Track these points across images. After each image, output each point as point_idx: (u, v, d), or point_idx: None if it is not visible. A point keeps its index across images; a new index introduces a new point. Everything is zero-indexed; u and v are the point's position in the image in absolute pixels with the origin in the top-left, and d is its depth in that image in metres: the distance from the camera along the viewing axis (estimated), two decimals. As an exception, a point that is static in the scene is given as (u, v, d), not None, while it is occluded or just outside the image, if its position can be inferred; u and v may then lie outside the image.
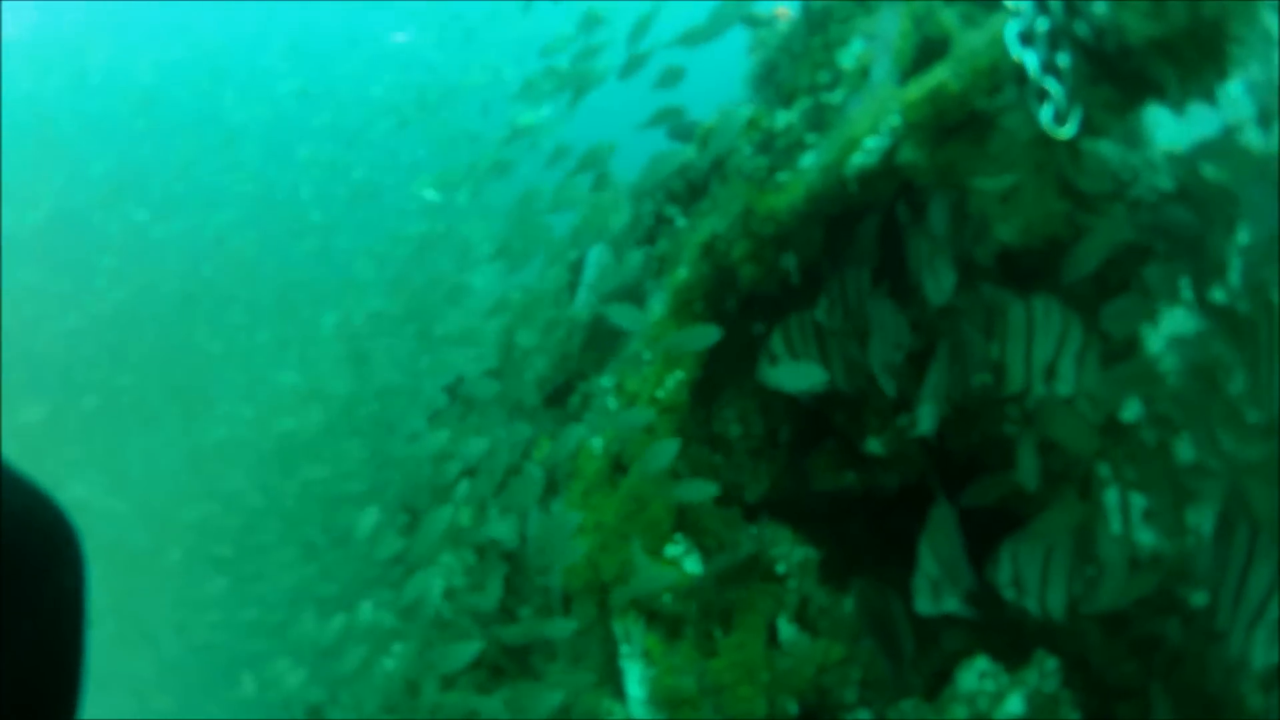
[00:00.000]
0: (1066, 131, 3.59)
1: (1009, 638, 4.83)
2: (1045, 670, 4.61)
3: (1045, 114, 3.61)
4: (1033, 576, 4.64)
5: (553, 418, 5.58)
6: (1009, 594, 4.52)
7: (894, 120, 4.16)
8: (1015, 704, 4.50)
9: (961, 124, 4.02)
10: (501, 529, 5.59)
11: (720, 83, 5.64)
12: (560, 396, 5.63)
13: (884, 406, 5.28)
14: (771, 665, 4.40)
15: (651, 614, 4.47)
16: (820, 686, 4.58)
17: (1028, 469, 4.37)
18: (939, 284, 4.50)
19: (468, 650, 5.31)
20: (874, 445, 5.19)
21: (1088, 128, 3.71)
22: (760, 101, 5.19)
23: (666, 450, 4.26)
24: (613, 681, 4.69)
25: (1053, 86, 3.61)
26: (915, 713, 4.59)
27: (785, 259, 4.72)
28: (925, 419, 4.65)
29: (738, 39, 5.72)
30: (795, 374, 4.61)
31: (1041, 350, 4.51)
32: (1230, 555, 4.03)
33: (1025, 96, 3.70)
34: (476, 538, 5.89)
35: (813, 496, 5.16)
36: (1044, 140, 3.72)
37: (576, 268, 5.95)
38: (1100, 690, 4.73)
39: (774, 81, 5.13)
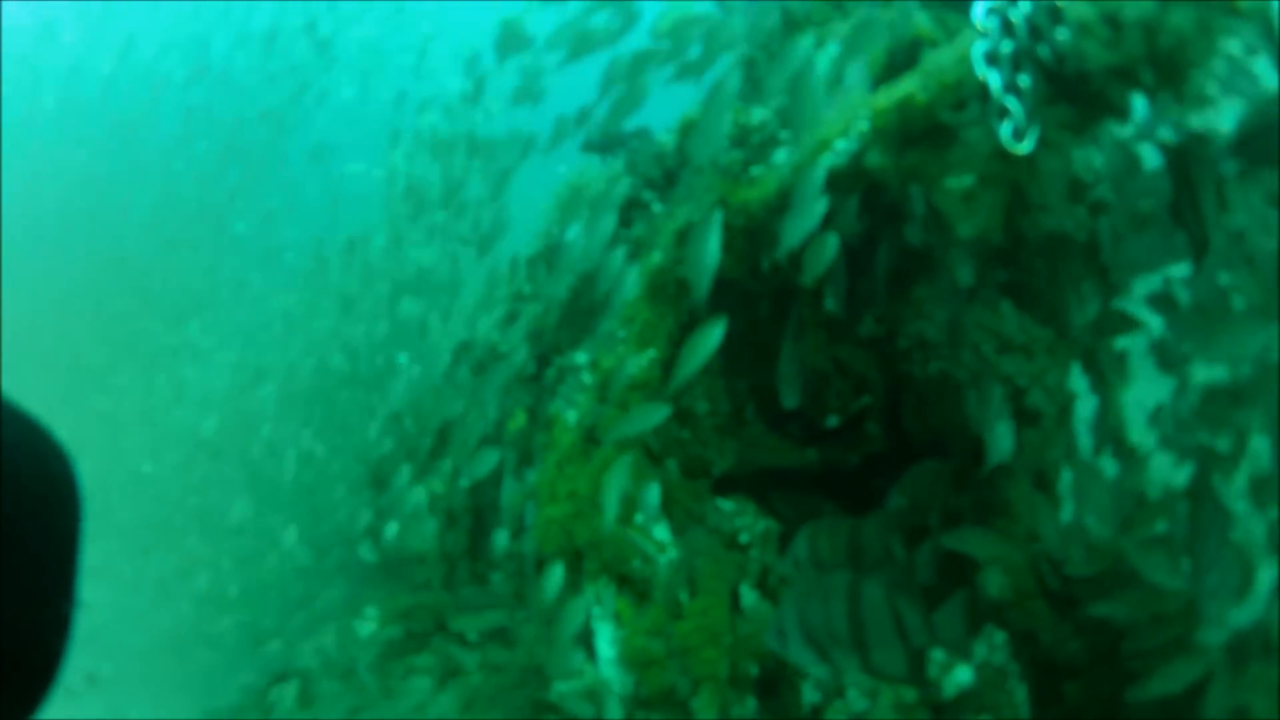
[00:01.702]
0: (1024, 148, 4.02)
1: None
2: (994, 644, 5.01)
3: (1005, 130, 4.04)
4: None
5: (529, 391, 5.96)
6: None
7: (863, 125, 4.57)
8: (964, 674, 4.89)
9: (926, 133, 4.44)
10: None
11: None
12: (535, 373, 6.02)
13: (844, 388, 5.74)
14: (734, 630, 4.84)
15: (622, 579, 4.90)
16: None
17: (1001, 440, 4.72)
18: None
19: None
20: (834, 422, 5.65)
21: (1044, 145, 4.15)
22: (738, 97, 5.57)
23: (656, 412, 4.56)
24: (583, 643, 5.12)
25: (1013, 105, 4.03)
26: (871, 680, 5.04)
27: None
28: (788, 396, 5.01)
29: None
30: None
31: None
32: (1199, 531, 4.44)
33: (987, 112, 4.13)
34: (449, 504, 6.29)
35: (776, 472, 5.60)
36: (1002, 154, 4.15)
37: (553, 245, 6.34)
38: (1048, 668, 5.09)
39: (751, 76, 5.52)
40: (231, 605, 9.84)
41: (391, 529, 6.64)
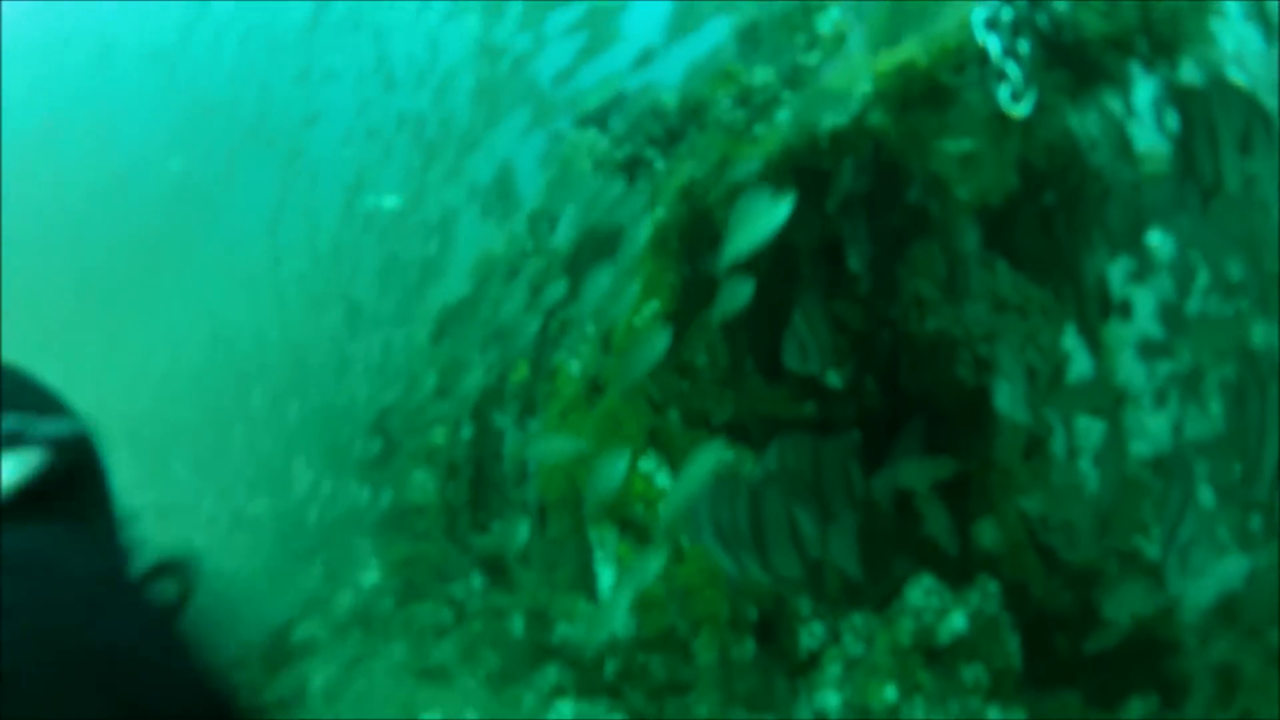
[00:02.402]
0: (1021, 110, 4.28)
1: (954, 564, 5.42)
2: (987, 593, 5.29)
3: (1003, 93, 4.30)
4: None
5: (534, 345, 6.21)
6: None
7: (866, 87, 4.82)
8: (958, 620, 5.17)
9: (926, 95, 4.69)
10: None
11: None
12: (538, 325, 6.26)
13: (843, 345, 6.01)
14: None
15: (624, 523, 5.18)
16: (778, 596, 5.31)
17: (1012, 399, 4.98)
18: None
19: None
20: (833, 379, 5.92)
21: (1040, 109, 4.42)
22: (740, 55, 5.82)
23: (659, 341, 4.74)
24: (586, 586, 5.41)
25: (1011, 69, 4.29)
26: (866, 625, 5.32)
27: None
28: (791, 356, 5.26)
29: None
30: None
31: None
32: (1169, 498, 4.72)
33: (986, 76, 4.39)
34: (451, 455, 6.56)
35: (774, 423, 5.87)
36: (1000, 117, 4.41)
37: (556, 200, 6.57)
38: (1040, 620, 5.33)
39: (755, 37, 5.76)
40: (232, 561, 10.11)
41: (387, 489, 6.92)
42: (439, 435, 6.78)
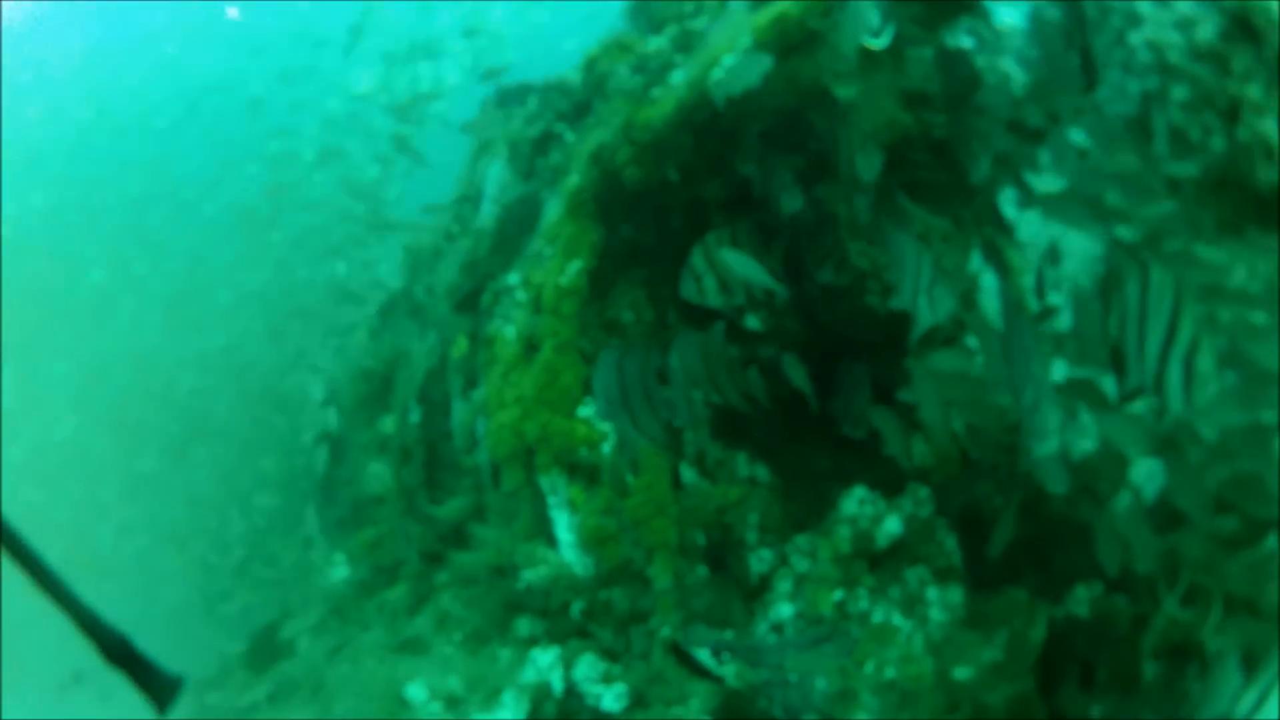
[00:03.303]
0: (880, 43, 4.90)
1: (882, 473, 5.93)
2: (919, 498, 5.79)
3: (864, 30, 4.91)
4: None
5: (468, 320, 6.75)
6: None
7: (746, 40, 5.42)
8: (893, 524, 5.66)
9: (801, 42, 5.31)
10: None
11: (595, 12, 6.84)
12: (472, 301, 6.80)
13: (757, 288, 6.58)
14: (679, 502, 5.70)
15: (572, 467, 5.73)
16: (723, 524, 5.84)
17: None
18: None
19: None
20: (752, 322, 6.50)
21: (900, 40, 5.04)
22: (634, 29, 6.44)
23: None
24: (544, 533, 5.95)
25: (869, 6, 4.90)
26: (809, 544, 5.80)
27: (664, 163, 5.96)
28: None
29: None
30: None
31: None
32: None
33: (847, 15, 5.00)
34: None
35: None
36: (866, 52, 5.03)
37: (477, 182, 7.13)
38: (975, 522, 5.78)
39: (646, 12, 6.37)
40: (197, 575, 10.50)
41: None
42: (389, 424, 7.28)
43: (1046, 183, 5.93)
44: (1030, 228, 6.25)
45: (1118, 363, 3.80)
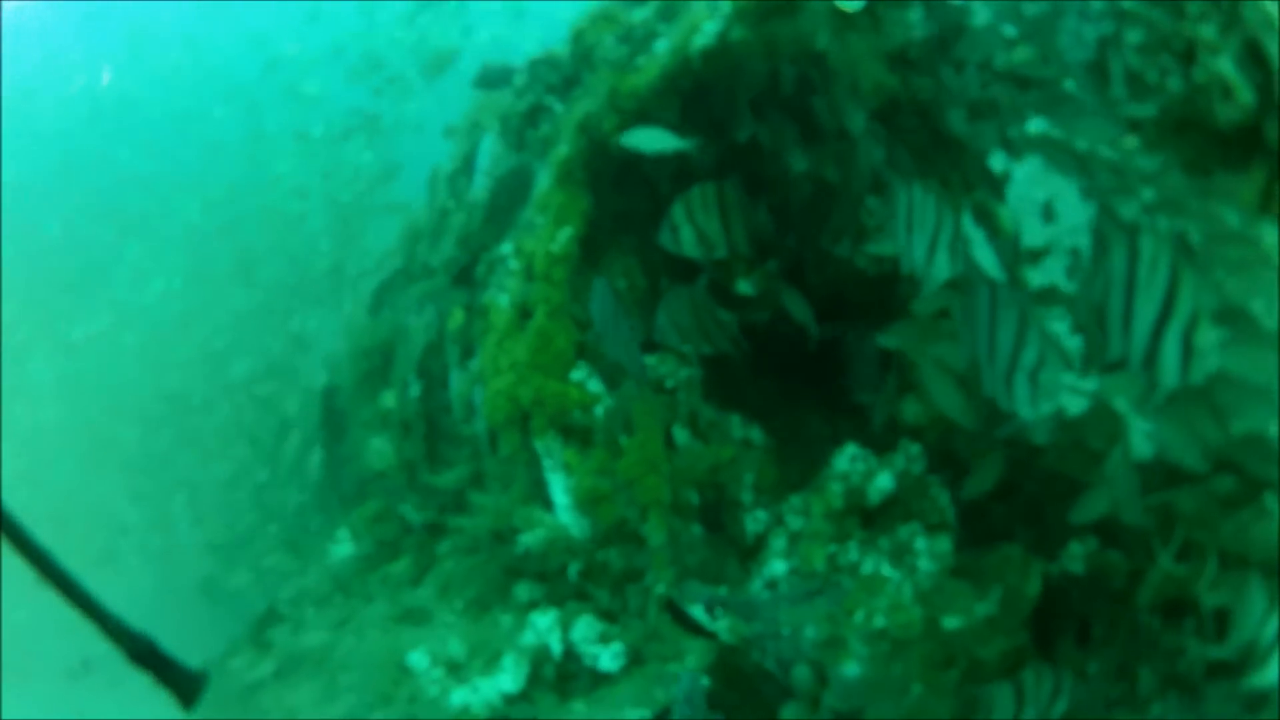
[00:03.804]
0: (854, 5, 5.08)
1: (878, 437, 6.12)
2: (910, 455, 5.94)
3: (838, -11, 5.09)
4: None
5: (465, 293, 6.95)
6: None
7: (725, 7, 5.62)
8: (885, 480, 5.82)
9: (779, 7, 5.49)
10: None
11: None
12: (467, 273, 7.01)
13: (750, 255, 6.76)
14: (671, 461, 5.88)
15: (566, 430, 5.93)
16: (717, 483, 6.02)
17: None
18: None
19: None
20: (744, 286, 6.68)
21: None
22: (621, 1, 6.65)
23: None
24: (540, 497, 6.15)
25: (842, -34, 5.08)
26: (803, 503, 5.96)
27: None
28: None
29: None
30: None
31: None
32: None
33: (823, -25, 5.19)
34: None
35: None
36: (839, 13, 5.21)
37: (470, 157, 7.35)
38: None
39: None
40: (205, 556, 10.74)
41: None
42: (389, 399, 7.49)
43: (1036, 126, 6.08)
44: (1019, 187, 6.42)
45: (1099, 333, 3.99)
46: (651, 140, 5.43)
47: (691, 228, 5.20)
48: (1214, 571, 5.24)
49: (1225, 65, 3.65)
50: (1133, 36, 3.99)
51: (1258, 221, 3.72)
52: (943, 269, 4.83)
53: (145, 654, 2.49)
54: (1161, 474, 5.48)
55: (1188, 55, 3.78)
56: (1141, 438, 5.58)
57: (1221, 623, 5.24)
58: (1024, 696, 4.65)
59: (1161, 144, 4.07)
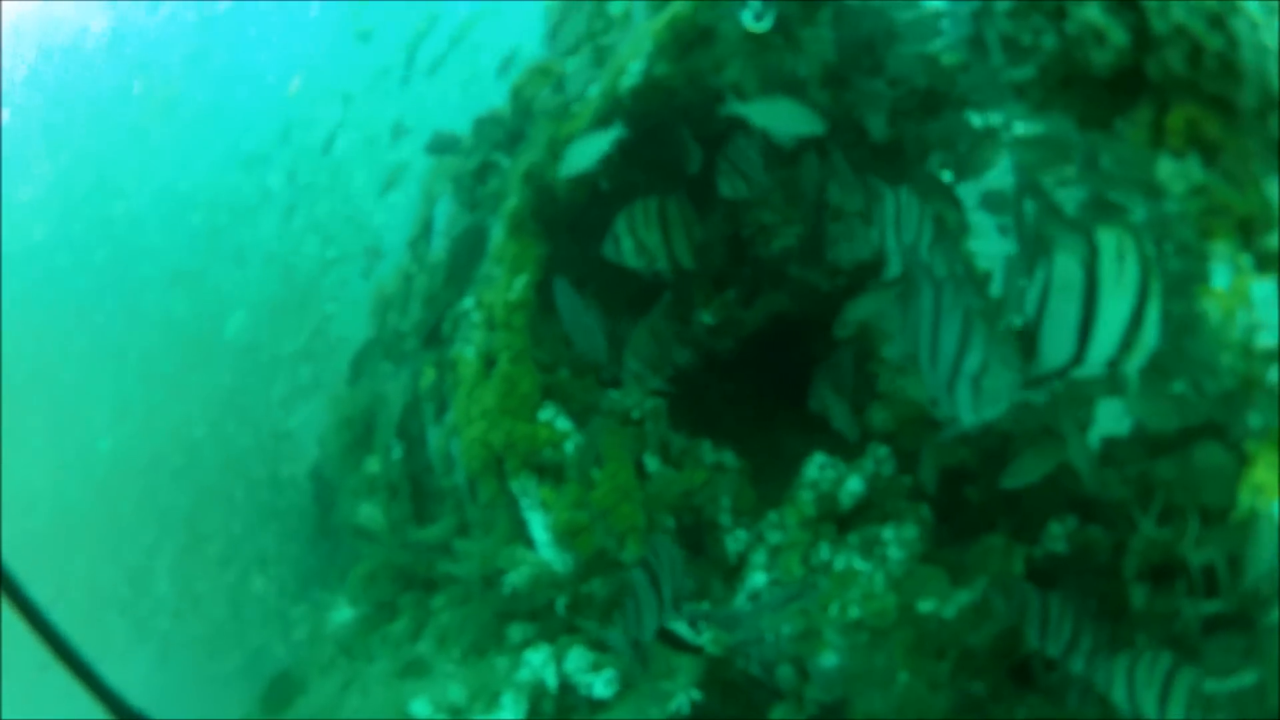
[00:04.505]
0: (762, 27, 5.43)
1: (846, 445, 6.26)
2: (879, 457, 6.17)
3: (746, 15, 5.45)
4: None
5: (435, 351, 7.28)
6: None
7: (648, 45, 5.98)
8: (855, 484, 6.05)
9: (696, 38, 5.86)
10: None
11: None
12: (435, 332, 7.34)
13: (707, 282, 7.06)
14: (644, 488, 6.15)
15: (540, 469, 6.21)
16: (693, 507, 6.25)
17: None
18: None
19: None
20: (705, 317, 6.99)
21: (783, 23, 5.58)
22: (552, 52, 7.05)
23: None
24: (522, 536, 6.43)
25: (750, -7, 5.44)
26: (779, 517, 6.19)
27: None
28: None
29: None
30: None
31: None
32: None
33: (733, 5, 5.55)
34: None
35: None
36: (753, 37, 5.58)
37: (428, 221, 7.73)
38: (944, 476, 6.11)
39: (560, 35, 6.97)
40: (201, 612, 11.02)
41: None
42: (374, 464, 7.79)
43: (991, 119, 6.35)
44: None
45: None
46: (585, 154, 5.71)
47: (632, 239, 5.50)
48: (1196, 530, 5.33)
49: (1093, 12, 3.78)
50: (1003, 4, 4.17)
51: (1154, 158, 3.86)
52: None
53: None
54: (1141, 447, 5.67)
55: (1058, 12, 3.94)
56: (1110, 416, 5.77)
57: (1211, 579, 5.33)
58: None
59: (1049, 104, 4.25)
